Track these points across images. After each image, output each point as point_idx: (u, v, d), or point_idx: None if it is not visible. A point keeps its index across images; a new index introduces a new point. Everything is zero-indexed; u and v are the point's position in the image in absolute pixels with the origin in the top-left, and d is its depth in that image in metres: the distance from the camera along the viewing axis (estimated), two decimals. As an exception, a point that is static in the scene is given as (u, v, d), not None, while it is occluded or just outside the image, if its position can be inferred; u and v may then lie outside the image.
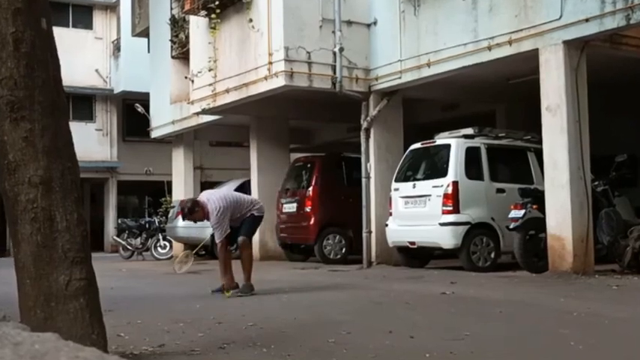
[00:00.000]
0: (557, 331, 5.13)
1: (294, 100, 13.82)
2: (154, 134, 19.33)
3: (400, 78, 11.83)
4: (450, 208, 10.42)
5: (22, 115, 3.65)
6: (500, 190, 10.80)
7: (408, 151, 11.71)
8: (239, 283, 8.12)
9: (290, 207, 13.95)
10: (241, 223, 8.13)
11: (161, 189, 20.47)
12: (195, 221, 8.33)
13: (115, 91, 25.74)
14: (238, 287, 8.08)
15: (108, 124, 26.37)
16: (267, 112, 14.62)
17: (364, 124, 12.51)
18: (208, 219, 7.96)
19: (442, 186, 10.56)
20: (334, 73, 12.05)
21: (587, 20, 8.93)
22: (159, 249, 17.87)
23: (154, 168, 24.32)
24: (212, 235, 8.81)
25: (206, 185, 19.67)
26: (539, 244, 9.52)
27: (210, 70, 13.43)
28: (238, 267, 8.18)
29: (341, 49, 11.96)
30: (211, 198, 7.98)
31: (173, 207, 17.08)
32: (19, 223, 3.68)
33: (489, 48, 10.19)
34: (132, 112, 21.57)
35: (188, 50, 15.34)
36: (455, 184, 10.49)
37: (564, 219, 9.10)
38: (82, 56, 24.73)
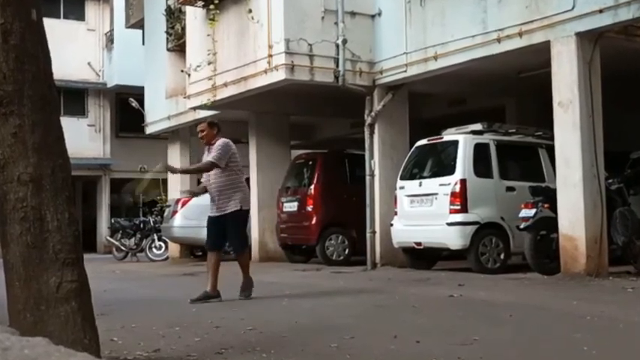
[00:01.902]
0: (570, 336, 5.13)
1: (295, 94, 13.81)
2: (149, 130, 19.33)
3: (406, 71, 11.82)
4: (458, 207, 10.42)
5: (11, 110, 3.65)
6: (510, 189, 10.79)
7: (413, 147, 11.70)
8: (220, 292, 7.83)
9: (291, 206, 13.95)
10: (226, 223, 7.88)
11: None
12: (202, 138, 8.03)
13: (108, 85, 25.77)
14: (219, 296, 7.77)
15: (101, 120, 26.40)
16: (266, 107, 14.62)
17: (368, 120, 12.50)
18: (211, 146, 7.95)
19: (449, 184, 10.55)
20: (337, 66, 12.04)
21: (600, 11, 8.91)
22: (154, 250, 17.88)
23: (149, 165, 24.27)
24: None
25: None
26: (550, 245, 9.51)
27: (209, 63, 13.43)
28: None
29: (344, 42, 11.95)
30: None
31: (169, 206, 17.08)
32: (8, 222, 3.68)
33: (499, 40, 10.18)
34: (126, 106, 21.59)
35: (184, 42, 15.33)
36: (463, 182, 10.48)
37: (577, 218, 9.09)
38: (73, 49, 24.74)
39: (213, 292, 7.78)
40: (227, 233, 7.97)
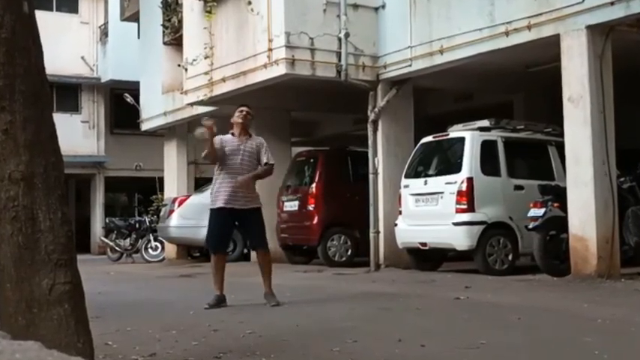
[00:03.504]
0: (580, 339, 5.13)
1: (296, 89, 13.80)
2: (145, 126, 19.34)
3: (410, 66, 11.81)
4: (465, 207, 10.42)
5: (1, 106, 3.64)
6: (518, 187, 10.79)
7: (418, 144, 11.70)
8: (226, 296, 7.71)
9: (291, 205, 13.95)
10: (246, 224, 7.88)
11: (152, 186, 20.49)
12: (242, 120, 8.03)
13: (103, 80, 25.76)
14: (225, 301, 7.63)
15: (95, 116, 26.40)
16: (266, 103, 14.58)
17: (371, 116, 12.50)
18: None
19: (456, 182, 10.55)
20: (339, 60, 12.03)
21: (612, 3, 8.89)
22: (150, 250, 17.89)
23: (145, 163, 24.34)
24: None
25: (201, 181, 19.72)
26: (560, 246, 9.51)
27: (206, 57, 13.42)
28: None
29: (346, 35, 11.94)
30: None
31: (165, 205, 17.09)
32: (-1, 222, 3.68)
33: (507, 33, 10.16)
34: (120, 102, 21.60)
35: (181, 36, 15.33)
36: (469, 180, 10.48)
37: (588, 218, 9.08)
38: (66, 42, 24.73)
39: (222, 296, 7.63)
40: (250, 230, 7.94)
